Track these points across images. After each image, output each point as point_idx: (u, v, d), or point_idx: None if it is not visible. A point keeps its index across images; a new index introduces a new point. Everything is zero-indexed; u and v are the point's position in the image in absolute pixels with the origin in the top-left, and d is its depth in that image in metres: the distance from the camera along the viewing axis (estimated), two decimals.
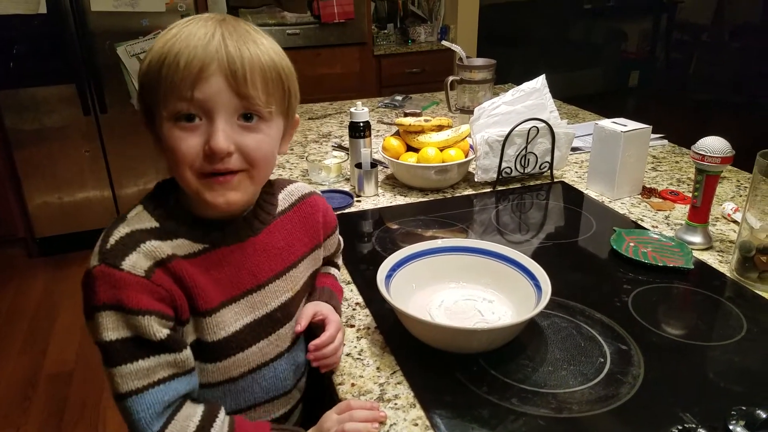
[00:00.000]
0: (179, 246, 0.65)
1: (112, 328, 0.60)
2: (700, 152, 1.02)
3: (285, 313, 0.75)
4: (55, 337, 2.34)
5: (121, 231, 0.63)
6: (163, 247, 0.64)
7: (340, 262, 0.97)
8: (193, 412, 0.65)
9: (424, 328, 0.78)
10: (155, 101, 0.62)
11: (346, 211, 1.25)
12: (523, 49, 4.23)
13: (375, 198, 1.31)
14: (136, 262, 0.61)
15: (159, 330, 0.61)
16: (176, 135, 0.62)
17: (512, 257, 0.87)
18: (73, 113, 2.71)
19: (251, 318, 0.71)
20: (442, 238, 1.06)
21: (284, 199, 0.78)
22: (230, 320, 0.69)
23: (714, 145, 1.02)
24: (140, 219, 0.65)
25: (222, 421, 0.66)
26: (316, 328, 0.79)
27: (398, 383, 0.76)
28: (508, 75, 2.27)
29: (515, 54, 4.08)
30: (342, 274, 1.00)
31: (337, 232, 0.89)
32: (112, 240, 0.62)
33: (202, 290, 0.66)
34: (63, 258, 2.91)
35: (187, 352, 0.65)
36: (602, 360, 0.79)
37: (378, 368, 0.78)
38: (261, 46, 0.63)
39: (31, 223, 2.84)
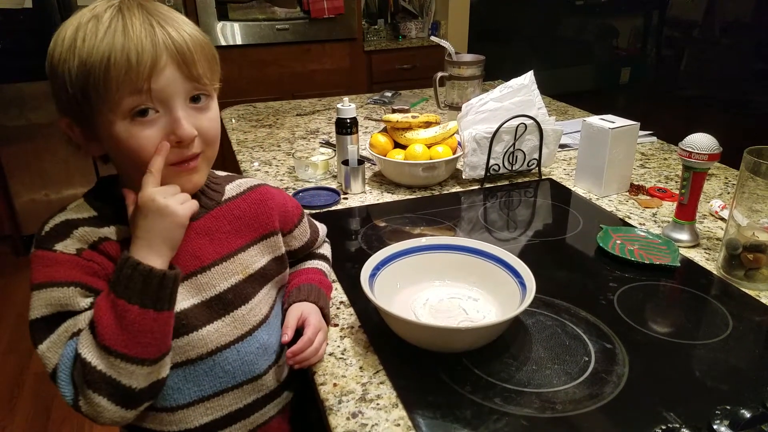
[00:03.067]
0: (114, 231, 0.67)
1: (36, 307, 0.62)
2: (687, 149, 1.02)
3: (238, 294, 0.75)
4: None
5: (57, 220, 0.66)
6: (95, 232, 0.66)
7: (328, 253, 0.96)
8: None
9: (407, 327, 0.77)
10: (99, 103, 0.61)
11: (333, 208, 1.23)
12: (514, 45, 4.23)
13: (362, 195, 1.29)
14: (68, 244, 0.64)
15: (82, 300, 0.63)
16: (135, 132, 0.62)
17: (497, 255, 0.87)
18: None
19: (199, 299, 0.72)
20: (429, 235, 1.05)
21: (232, 189, 0.79)
22: (177, 299, 0.68)
23: (701, 141, 1.01)
24: (78, 209, 0.68)
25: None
26: (300, 328, 0.79)
27: (381, 383, 0.75)
28: (498, 71, 2.26)
29: (506, 50, 4.07)
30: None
31: (306, 219, 0.88)
32: (47, 228, 0.65)
33: None
34: None
35: None
36: (587, 359, 0.78)
37: (361, 368, 0.77)
38: (190, 26, 0.66)
39: (18, 221, 2.81)
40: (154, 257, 0.63)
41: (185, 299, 0.71)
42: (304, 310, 0.80)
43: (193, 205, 0.67)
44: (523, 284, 0.80)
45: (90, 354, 0.60)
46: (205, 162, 0.69)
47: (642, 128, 1.33)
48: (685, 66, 4.59)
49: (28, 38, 2.57)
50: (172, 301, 0.65)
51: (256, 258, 0.78)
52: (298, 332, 0.78)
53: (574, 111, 1.92)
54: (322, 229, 0.95)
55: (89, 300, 0.64)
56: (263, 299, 0.79)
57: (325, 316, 0.83)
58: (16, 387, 2.05)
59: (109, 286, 0.62)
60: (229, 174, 0.83)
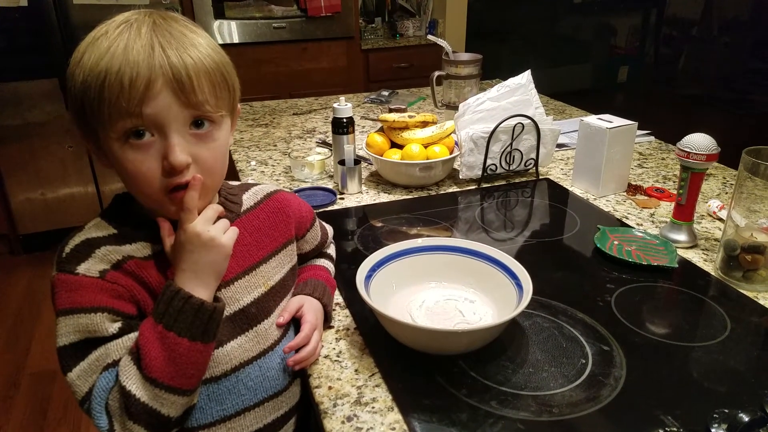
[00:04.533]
0: (137, 249, 0.66)
1: (64, 334, 0.61)
2: (686, 149, 1.01)
3: (261, 308, 0.74)
4: (38, 335, 2.30)
5: (76, 240, 0.64)
6: (118, 251, 0.64)
7: (333, 253, 0.96)
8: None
9: (402, 329, 0.76)
10: (98, 121, 0.60)
11: (329, 208, 1.23)
12: (512, 44, 4.22)
13: (358, 195, 1.29)
14: (91, 266, 0.62)
15: (110, 326, 0.61)
16: (130, 157, 0.61)
17: (494, 256, 0.86)
18: (56, 108, 2.67)
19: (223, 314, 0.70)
20: (425, 236, 1.05)
21: (249, 198, 0.78)
22: None
23: (699, 142, 1.01)
24: (98, 228, 0.66)
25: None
26: (297, 319, 0.79)
27: (376, 386, 0.74)
28: (496, 70, 2.26)
29: (504, 49, 4.06)
30: None
31: (317, 223, 0.89)
32: (67, 249, 0.63)
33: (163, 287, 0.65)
34: (47, 255, 2.87)
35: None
36: (584, 361, 0.77)
37: (356, 370, 0.77)
38: (201, 48, 0.62)
39: (14, 220, 2.79)
40: (201, 289, 0.63)
41: None
42: (306, 303, 0.79)
43: (234, 233, 0.67)
44: (519, 286, 0.80)
45: (135, 386, 0.59)
46: (207, 188, 0.65)
47: (640, 128, 1.32)
48: (683, 65, 4.58)
49: (24, 37, 2.55)
50: (217, 333, 0.65)
51: (276, 269, 0.78)
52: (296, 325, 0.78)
53: (572, 110, 1.92)
54: (330, 230, 0.95)
55: (117, 325, 0.62)
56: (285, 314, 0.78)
57: (327, 314, 0.83)
58: (12, 387, 2.04)
59: (155, 318, 0.61)
60: (243, 183, 0.81)
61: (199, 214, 0.65)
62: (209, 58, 0.62)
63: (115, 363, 0.61)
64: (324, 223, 0.94)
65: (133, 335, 0.62)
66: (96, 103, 0.59)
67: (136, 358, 0.60)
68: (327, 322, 0.84)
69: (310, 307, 0.79)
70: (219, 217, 0.67)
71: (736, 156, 0.99)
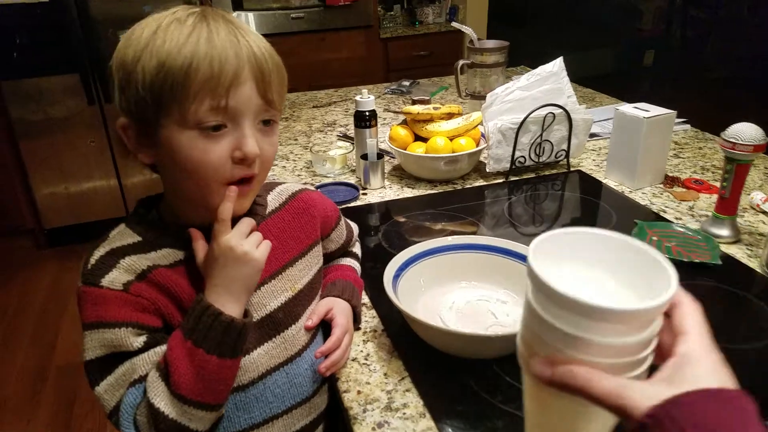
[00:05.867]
0: (163, 256, 0.64)
1: (90, 348, 0.60)
2: (731, 140, 0.96)
3: (288, 313, 0.71)
4: (63, 328, 2.33)
5: (101, 251, 0.62)
6: (143, 260, 0.62)
7: (359, 252, 0.93)
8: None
9: (435, 333, 0.73)
10: (170, 108, 0.57)
11: (351, 204, 1.19)
12: (534, 29, 4.12)
13: (381, 190, 1.25)
14: (115, 278, 0.60)
15: (135, 340, 0.60)
16: (200, 145, 0.59)
17: (526, 255, 0.82)
18: (78, 103, 2.68)
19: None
20: (452, 234, 1.01)
21: (274, 199, 0.76)
22: None
23: (746, 131, 0.95)
24: (122, 236, 0.64)
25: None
26: (327, 322, 0.76)
27: (407, 390, 0.71)
28: (519, 56, 2.19)
29: (527, 34, 3.97)
30: None
31: (342, 221, 0.86)
32: (92, 260, 0.62)
33: (191, 294, 0.63)
34: (71, 249, 2.89)
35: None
36: None
37: (385, 374, 0.74)
38: (266, 42, 0.62)
39: (39, 214, 2.82)
40: (232, 304, 0.61)
41: None
42: (335, 306, 0.77)
43: (267, 246, 0.65)
44: None
45: (163, 403, 0.58)
46: (257, 186, 0.66)
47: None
48: (712, 47, 4.43)
49: (45, 33, 2.55)
50: (244, 347, 0.64)
51: (303, 272, 0.75)
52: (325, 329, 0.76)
53: (602, 98, 1.85)
54: (355, 228, 0.92)
55: (142, 339, 0.61)
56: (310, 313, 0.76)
57: (356, 316, 0.80)
58: (39, 381, 2.06)
59: (184, 333, 0.59)
60: (268, 182, 0.78)
61: (238, 217, 0.64)
62: (276, 55, 0.63)
63: (142, 378, 0.60)
64: (349, 221, 0.90)
65: (159, 349, 0.61)
66: (180, 88, 0.56)
67: (164, 374, 0.59)
68: (356, 324, 0.81)
69: (340, 310, 0.76)
70: (251, 230, 0.65)
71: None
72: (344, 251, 0.89)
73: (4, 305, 2.49)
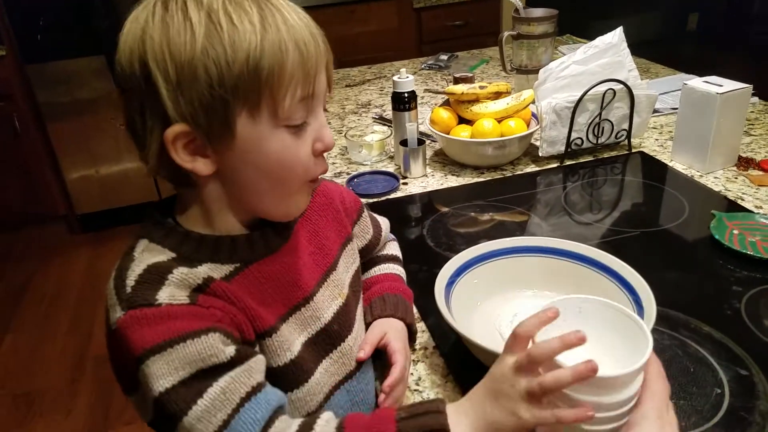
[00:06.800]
0: (214, 269, 0.53)
1: (164, 374, 0.47)
2: None
3: (342, 323, 0.63)
4: (100, 316, 2.32)
5: (136, 270, 0.50)
6: (195, 273, 0.51)
7: (398, 253, 0.82)
8: (288, 425, 0.51)
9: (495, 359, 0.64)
10: (257, 107, 0.49)
11: (392, 196, 1.10)
12: None
13: (423, 179, 1.15)
14: (173, 293, 0.49)
15: (224, 350, 0.49)
16: (288, 142, 0.52)
17: (602, 262, 0.71)
18: (105, 86, 2.63)
19: (305, 336, 0.60)
20: (501, 224, 0.91)
21: None
22: (291, 339, 0.58)
23: None
24: (151, 252, 0.52)
25: (325, 421, 0.52)
26: (381, 352, 0.67)
27: None
28: (562, 25, 2.04)
29: (566, 0, 3.76)
30: None
31: (366, 213, 0.75)
32: (130, 281, 0.50)
33: (254, 309, 0.54)
34: (105, 234, 2.89)
35: (262, 357, 0.54)
36: (719, 390, 0.64)
37: None
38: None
39: (71, 200, 2.81)
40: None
41: (296, 338, 0.59)
42: (390, 329, 0.68)
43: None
44: (638, 303, 0.65)
45: None
46: None
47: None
48: (758, 9, 4.13)
49: (70, 14, 2.50)
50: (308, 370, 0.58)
51: (344, 274, 0.67)
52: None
53: (657, 68, 1.70)
54: (384, 223, 0.80)
55: (232, 348, 0.50)
56: (361, 324, 0.68)
57: (411, 334, 0.71)
58: (77, 370, 2.06)
59: (399, 419, 0.49)
60: None
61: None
62: None
63: (252, 394, 0.50)
64: (377, 215, 0.80)
65: (255, 364, 0.51)
66: (270, 82, 0.49)
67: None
68: (412, 342, 0.72)
69: (396, 335, 0.67)
70: None
71: None
72: (381, 254, 0.79)
73: (40, 293, 2.50)
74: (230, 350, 0.49)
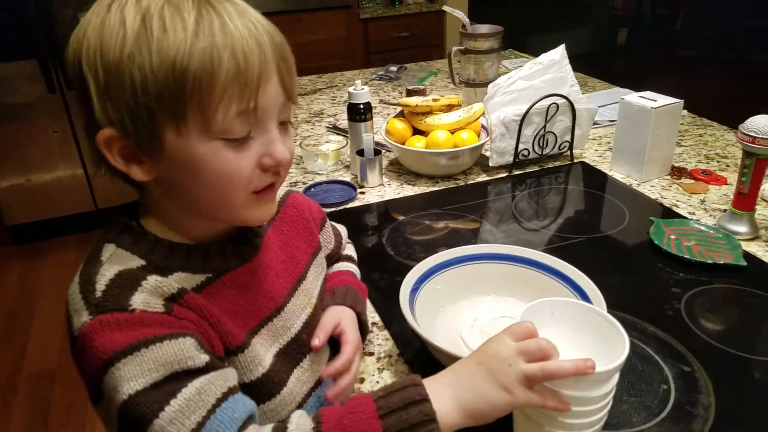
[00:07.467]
0: (185, 280, 0.52)
1: (136, 375, 0.45)
2: (750, 133, 0.91)
3: (310, 333, 0.64)
4: (34, 333, 2.20)
5: (106, 274, 0.48)
6: (168, 282, 0.50)
7: (353, 253, 0.83)
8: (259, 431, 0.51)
9: None
10: (184, 118, 0.46)
11: (350, 205, 1.11)
12: (513, 9, 4.05)
13: (380, 188, 1.17)
14: (147, 299, 0.48)
15: (198, 355, 0.48)
16: (229, 156, 0.49)
17: (555, 267, 0.76)
18: (38, 91, 2.51)
19: (276, 347, 0.60)
20: (455, 231, 0.94)
21: None
22: (262, 353, 0.57)
23: (765, 124, 0.90)
24: (122, 259, 0.50)
25: (298, 416, 0.51)
26: (337, 342, 0.67)
27: None
28: (504, 40, 2.12)
29: (507, 15, 3.90)
30: None
31: (328, 223, 0.77)
32: (99, 285, 0.47)
33: (225, 324, 0.53)
34: (37, 247, 2.74)
35: (234, 371, 0.53)
36: (665, 387, 0.68)
37: None
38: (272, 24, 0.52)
39: (1, 210, 2.66)
40: (449, 413, 0.49)
41: (267, 350, 0.58)
42: (342, 317, 0.68)
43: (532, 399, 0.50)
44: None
45: None
46: (278, 189, 0.57)
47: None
48: (681, 25, 4.42)
49: (2, 16, 2.37)
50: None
51: (313, 284, 0.67)
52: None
53: (594, 83, 1.80)
54: (343, 231, 0.83)
55: (206, 357, 0.48)
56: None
57: (363, 324, 0.72)
58: (10, 390, 1.95)
59: (377, 400, 0.48)
60: None
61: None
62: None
63: (232, 391, 0.49)
64: (335, 224, 0.81)
65: (229, 371, 0.51)
66: (197, 93, 0.45)
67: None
68: (364, 335, 0.73)
69: (348, 323, 0.68)
70: None
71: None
72: (336, 257, 0.80)
73: None
74: (205, 357, 0.48)
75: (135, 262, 0.51)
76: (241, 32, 0.46)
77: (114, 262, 0.50)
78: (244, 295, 0.57)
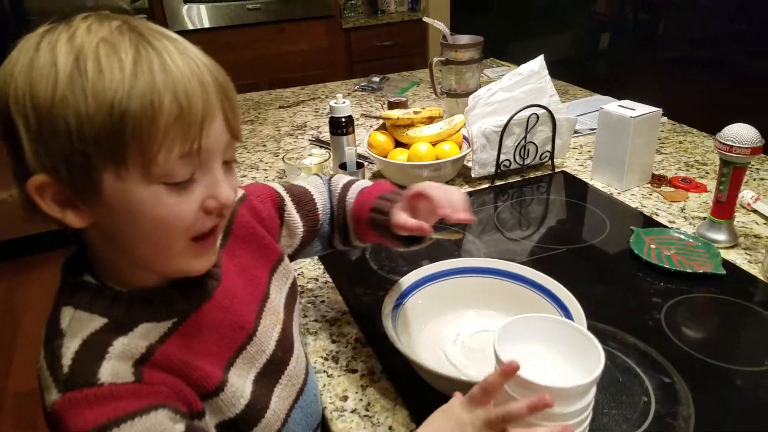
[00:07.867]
0: (145, 334, 0.50)
1: None
2: (728, 142, 0.92)
3: (284, 348, 0.64)
4: (18, 350, 2.17)
5: (71, 346, 0.47)
6: (135, 342, 0.49)
7: (347, 179, 0.80)
8: None
9: (444, 383, 0.66)
10: (123, 164, 0.44)
11: None
12: (496, 17, 4.08)
13: None
14: (115, 369, 0.46)
15: (172, 427, 0.47)
16: (166, 200, 0.46)
17: (535, 280, 0.76)
18: None
19: (254, 372, 0.60)
20: (437, 243, 0.95)
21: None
22: (241, 384, 0.57)
23: (742, 133, 0.92)
24: (81, 323, 0.48)
25: None
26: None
27: None
28: (484, 48, 2.14)
29: (489, 23, 3.93)
30: (336, 302, 0.88)
31: (289, 206, 0.73)
32: (66, 360, 0.46)
33: (199, 369, 0.53)
34: (22, 262, 2.71)
35: None
36: (645, 399, 0.69)
37: (390, 428, 0.67)
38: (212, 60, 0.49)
39: None
40: None
41: (245, 379, 0.58)
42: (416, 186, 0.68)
43: None
44: (569, 317, 0.70)
45: None
46: (219, 233, 0.53)
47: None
48: (663, 29, 4.47)
49: None
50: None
51: (278, 298, 0.67)
52: None
53: (575, 90, 1.82)
54: (312, 187, 0.77)
55: (182, 426, 0.48)
56: (298, 340, 0.69)
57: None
58: None
59: None
60: None
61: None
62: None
63: None
64: (300, 182, 0.77)
65: None
66: (137, 137, 0.43)
67: None
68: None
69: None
70: None
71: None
72: (338, 193, 0.76)
73: None
74: (180, 427, 0.48)
75: (96, 322, 0.49)
76: (183, 71, 0.44)
77: (75, 329, 0.48)
78: (214, 332, 0.56)
